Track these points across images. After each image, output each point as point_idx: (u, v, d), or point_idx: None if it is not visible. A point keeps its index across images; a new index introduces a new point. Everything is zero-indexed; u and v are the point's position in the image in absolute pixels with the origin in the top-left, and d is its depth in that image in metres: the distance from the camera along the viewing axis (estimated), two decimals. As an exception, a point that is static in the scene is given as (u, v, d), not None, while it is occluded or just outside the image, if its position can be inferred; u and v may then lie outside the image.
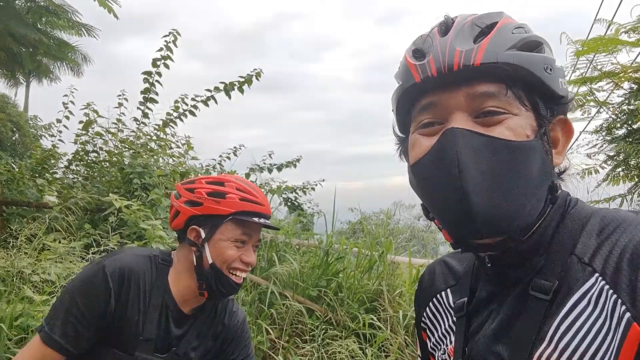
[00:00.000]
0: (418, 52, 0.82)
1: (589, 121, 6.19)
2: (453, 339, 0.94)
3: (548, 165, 0.79)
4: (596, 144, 5.81)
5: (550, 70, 0.78)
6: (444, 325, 0.99)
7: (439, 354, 0.99)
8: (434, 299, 1.04)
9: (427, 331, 1.05)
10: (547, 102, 0.80)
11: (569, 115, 0.87)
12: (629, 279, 0.64)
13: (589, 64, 5.65)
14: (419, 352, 1.13)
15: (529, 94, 0.77)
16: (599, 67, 5.53)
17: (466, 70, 0.75)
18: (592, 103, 5.71)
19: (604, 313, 0.66)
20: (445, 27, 0.80)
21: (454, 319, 0.96)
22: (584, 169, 5.94)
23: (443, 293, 1.02)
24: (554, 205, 0.81)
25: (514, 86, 0.76)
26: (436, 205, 0.80)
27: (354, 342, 3.78)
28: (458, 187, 0.72)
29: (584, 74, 5.65)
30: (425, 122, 0.81)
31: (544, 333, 0.72)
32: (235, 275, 1.52)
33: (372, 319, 4.04)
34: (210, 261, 1.49)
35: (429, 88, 0.79)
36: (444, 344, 0.98)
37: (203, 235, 1.50)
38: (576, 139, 6.57)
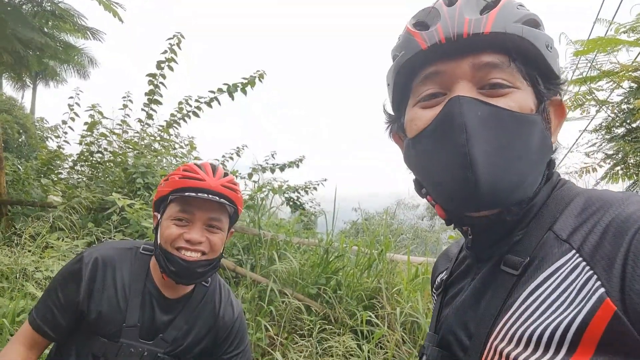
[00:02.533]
0: (420, 24, 0.82)
1: (590, 121, 6.20)
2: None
3: (548, 141, 0.80)
4: (595, 143, 5.82)
5: (551, 48, 0.79)
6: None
7: None
8: (435, 282, 1.09)
9: None
10: (545, 80, 0.80)
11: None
12: (609, 255, 0.64)
13: (589, 64, 5.65)
14: None
15: (529, 69, 0.78)
16: (598, 66, 5.54)
17: (475, 39, 0.75)
18: (592, 102, 5.71)
19: (573, 286, 0.65)
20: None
21: (435, 296, 1.00)
22: (582, 167, 5.94)
23: (441, 274, 1.06)
24: (548, 182, 0.82)
25: (517, 59, 0.76)
26: (436, 176, 0.79)
27: (351, 339, 3.82)
28: (465, 153, 0.71)
29: (583, 74, 5.66)
30: (429, 92, 0.80)
31: (509, 305, 0.72)
32: (183, 254, 1.47)
33: (369, 316, 4.07)
34: (158, 242, 1.51)
35: (434, 57, 0.78)
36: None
37: (158, 218, 1.55)
38: (577, 139, 6.59)
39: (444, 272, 1.04)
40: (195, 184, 1.49)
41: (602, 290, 0.62)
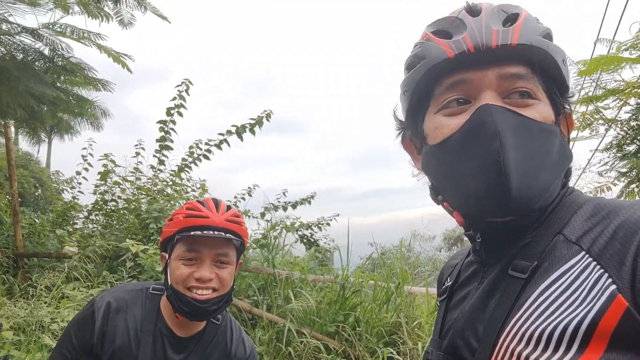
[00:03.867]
0: (441, 33, 0.83)
1: (601, 140, 6.16)
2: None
3: (568, 150, 0.82)
4: (607, 162, 5.76)
5: (565, 63, 0.82)
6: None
7: None
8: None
9: None
10: (560, 92, 0.83)
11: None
12: (619, 253, 0.64)
13: (593, 83, 5.66)
14: None
15: (548, 82, 0.80)
16: (603, 85, 5.54)
17: (502, 50, 0.76)
18: (600, 121, 5.69)
19: (584, 285, 0.66)
20: (472, 10, 0.82)
21: (439, 302, 1.00)
22: (596, 187, 5.86)
23: (445, 282, 1.05)
24: (563, 189, 0.83)
25: (538, 72, 0.78)
26: (462, 183, 0.79)
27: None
28: (499, 161, 0.71)
29: (589, 93, 5.66)
30: (452, 99, 0.80)
31: (518, 306, 0.73)
32: (195, 293, 1.48)
33: (391, 352, 3.97)
34: (169, 283, 1.52)
35: (460, 65, 0.79)
36: None
37: (166, 259, 1.56)
38: (590, 159, 6.53)
39: (448, 279, 1.04)
40: (200, 222, 1.49)
41: (613, 287, 0.62)
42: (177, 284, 1.48)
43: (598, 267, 0.66)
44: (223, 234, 1.50)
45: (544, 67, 0.79)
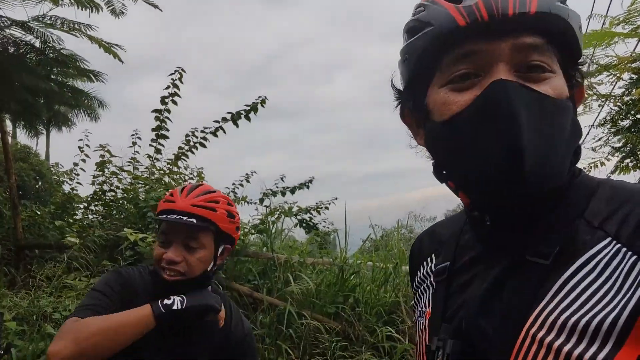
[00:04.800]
0: None
1: (597, 115, 6.16)
2: (429, 302, 0.92)
3: (579, 126, 0.77)
4: (601, 137, 5.76)
5: (580, 29, 0.76)
6: (429, 291, 0.95)
7: (419, 319, 0.95)
8: (421, 267, 1.02)
9: (418, 299, 1.01)
10: (573, 63, 0.77)
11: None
12: None
13: (587, 59, 5.64)
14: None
15: (564, 53, 0.74)
16: (596, 60, 5.53)
17: (519, 19, 0.69)
18: (593, 97, 5.68)
19: (618, 274, 0.62)
20: None
21: (432, 282, 0.94)
22: (590, 162, 5.88)
23: (428, 259, 1.00)
24: (572, 167, 0.78)
25: (554, 42, 0.72)
26: (471, 163, 0.73)
27: (373, 356, 3.77)
28: (513, 142, 0.66)
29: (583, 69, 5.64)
30: (460, 73, 0.73)
31: (542, 294, 0.68)
32: (165, 273, 1.53)
33: (390, 331, 4.03)
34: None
35: (471, 35, 0.71)
36: (421, 308, 0.95)
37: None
38: (586, 135, 6.54)
39: (432, 257, 0.98)
40: (166, 206, 1.57)
41: None
42: (155, 264, 1.57)
43: (630, 253, 0.62)
44: (185, 218, 1.54)
45: (561, 37, 0.72)
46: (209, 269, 1.61)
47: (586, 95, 4.87)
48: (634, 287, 0.58)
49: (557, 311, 0.65)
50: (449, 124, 0.74)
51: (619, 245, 0.63)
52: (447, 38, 0.73)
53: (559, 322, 0.64)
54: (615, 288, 0.61)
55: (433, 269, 0.96)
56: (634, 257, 0.60)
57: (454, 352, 0.78)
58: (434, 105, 0.78)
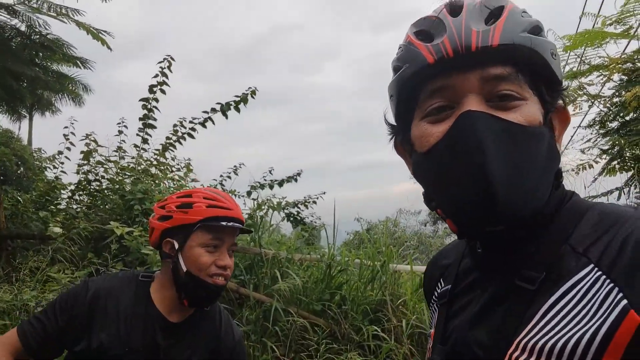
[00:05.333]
0: (423, 34, 0.80)
1: (584, 116, 6.20)
2: (433, 324, 0.97)
3: (556, 151, 0.79)
4: (590, 139, 5.81)
5: (555, 56, 0.78)
6: (435, 314, 0.99)
7: (429, 340, 1.00)
8: (435, 290, 1.05)
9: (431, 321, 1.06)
10: (550, 88, 0.79)
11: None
12: (630, 267, 0.63)
13: (578, 59, 5.66)
14: None
15: (536, 79, 0.77)
16: (587, 60, 5.55)
17: (483, 52, 0.73)
18: (583, 97, 5.71)
19: (595, 300, 0.65)
20: (452, 8, 0.79)
21: (437, 305, 0.98)
22: (578, 164, 5.92)
23: (439, 283, 1.04)
24: (556, 191, 0.80)
25: (524, 70, 0.75)
26: (450, 192, 0.77)
27: (359, 355, 3.78)
28: (481, 171, 0.70)
29: (573, 69, 5.67)
30: (435, 106, 0.78)
31: (527, 319, 0.71)
32: (217, 279, 1.57)
33: (376, 330, 4.03)
34: (184, 269, 1.56)
35: (441, 70, 0.76)
36: (430, 329, 0.99)
37: (176, 246, 1.58)
38: (572, 136, 6.58)
39: (441, 281, 1.02)
40: (224, 213, 1.60)
41: (625, 301, 0.61)
42: (199, 271, 1.55)
43: (608, 280, 0.64)
44: (241, 225, 1.64)
45: (530, 65, 0.75)
46: None
47: (576, 95, 4.84)
48: (608, 311, 0.62)
49: (538, 336, 0.68)
50: (428, 155, 0.79)
51: (599, 273, 0.66)
52: (421, 75, 0.78)
53: (538, 346, 0.67)
54: (591, 313, 0.64)
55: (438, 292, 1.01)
56: (611, 284, 0.64)
57: None
58: (415, 137, 0.83)
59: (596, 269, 0.67)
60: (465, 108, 0.73)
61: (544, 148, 0.75)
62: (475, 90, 0.75)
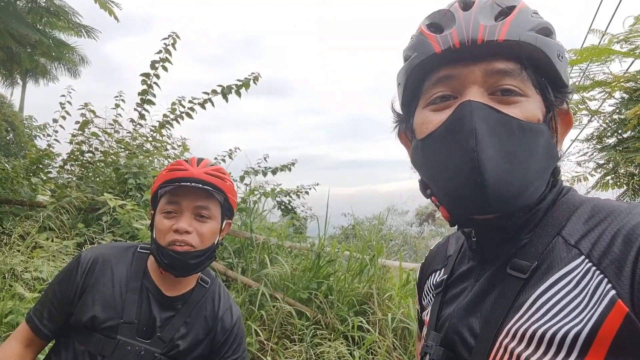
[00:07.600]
0: (434, 26, 0.83)
1: (582, 130, 6.26)
2: (428, 312, 0.99)
3: (554, 150, 0.81)
4: (587, 152, 5.87)
5: (561, 58, 0.81)
6: (431, 303, 1.01)
7: (423, 328, 1.03)
8: (428, 280, 1.09)
9: (425, 309, 1.07)
10: (554, 88, 0.81)
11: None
12: (618, 259, 0.65)
13: (582, 73, 5.71)
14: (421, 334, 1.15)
15: (539, 77, 0.79)
16: (591, 76, 5.59)
17: (488, 45, 0.76)
18: (584, 112, 5.76)
19: (586, 291, 0.67)
20: (465, 3, 0.82)
21: (434, 295, 1.00)
22: (574, 176, 5.99)
23: (436, 273, 1.07)
24: (554, 188, 0.83)
25: (529, 67, 0.77)
26: (444, 179, 0.80)
27: (342, 344, 3.80)
28: (474, 158, 0.72)
29: (576, 83, 5.71)
30: (439, 95, 0.81)
31: (517, 307, 0.74)
32: (175, 245, 1.50)
33: (361, 321, 4.06)
34: (153, 237, 1.55)
35: (447, 60, 0.80)
36: (424, 317, 1.02)
37: (153, 215, 1.60)
38: (568, 148, 6.64)
39: (441, 271, 1.04)
40: (179, 174, 1.53)
41: (613, 292, 0.63)
42: (159, 238, 1.52)
43: (598, 272, 0.67)
44: (200, 185, 1.53)
45: (534, 63, 0.78)
46: (215, 242, 1.59)
47: (577, 109, 4.89)
48: (597, 302, 0.64)
49: (528, 323, 0.70)
50: (426, 141, 0.82)
51: (590, 264, 0.69)
52: (427, 64, 0.82)
53: (528, 333, 0.69)
54: (582, 304, 0.66)
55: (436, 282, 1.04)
56: (600, 275, 0.66)
57: (439, 359, 0.85)
58: (416, 124, 0.86)
59: (587, 260, 0.69)
60: (466, 98, 0.76)
61: (541, 145, 0.77)
62: (478, 82, 0.77)
